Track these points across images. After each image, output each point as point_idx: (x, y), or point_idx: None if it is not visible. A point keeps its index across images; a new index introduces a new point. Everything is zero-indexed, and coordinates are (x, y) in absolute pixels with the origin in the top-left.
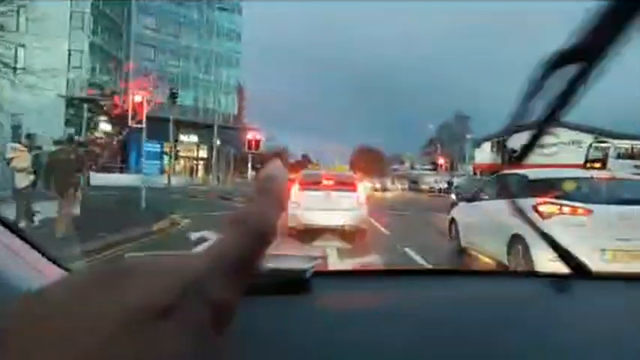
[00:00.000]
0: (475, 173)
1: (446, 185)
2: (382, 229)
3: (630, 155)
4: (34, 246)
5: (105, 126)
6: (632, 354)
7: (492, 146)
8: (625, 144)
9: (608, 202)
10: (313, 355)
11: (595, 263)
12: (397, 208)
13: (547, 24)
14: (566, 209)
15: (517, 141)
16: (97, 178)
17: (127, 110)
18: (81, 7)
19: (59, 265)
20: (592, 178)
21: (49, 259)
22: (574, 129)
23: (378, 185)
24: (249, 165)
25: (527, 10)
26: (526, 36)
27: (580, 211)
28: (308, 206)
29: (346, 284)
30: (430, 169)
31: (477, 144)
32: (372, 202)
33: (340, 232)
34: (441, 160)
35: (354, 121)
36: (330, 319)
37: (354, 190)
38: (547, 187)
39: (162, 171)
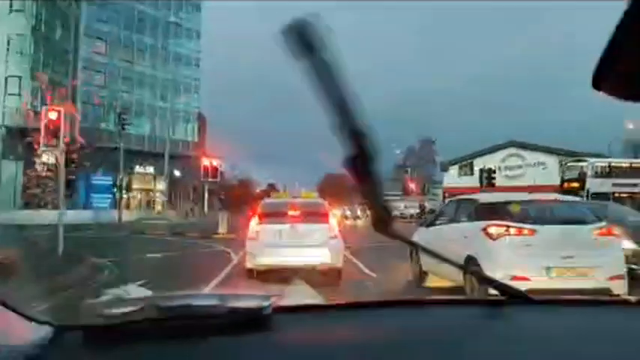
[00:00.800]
0: (445, 197)
1: (417, 210)
2: (363, 267)
3: (608, 173)
4: (5, 303)
5: (48, 158)
6: None
7: (460, 169)
8: (601, 162)
9: (552, 223)
10: None
11: (542, 280)
12: (374, 239)
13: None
14: (512, 230)
15: (482, 164)
16: (38, 216)
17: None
18: (21, 29)
19: (22, 315)
20: (536, 200)
21: (24, 316)
22: (538, 150)
23: (348, 213)
24: (205, 194)
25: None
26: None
27: (525, 231)
28: (270, 242)
29: (306, 319)
30: (399, 195)
31: (444, 168)
32: (344, 232)
33: (308, 273)
34: (412, 185)
35: (319, 148)
36: (290, 356)
37: (326, 221)
38: (495, 210)
39: (114, 205)
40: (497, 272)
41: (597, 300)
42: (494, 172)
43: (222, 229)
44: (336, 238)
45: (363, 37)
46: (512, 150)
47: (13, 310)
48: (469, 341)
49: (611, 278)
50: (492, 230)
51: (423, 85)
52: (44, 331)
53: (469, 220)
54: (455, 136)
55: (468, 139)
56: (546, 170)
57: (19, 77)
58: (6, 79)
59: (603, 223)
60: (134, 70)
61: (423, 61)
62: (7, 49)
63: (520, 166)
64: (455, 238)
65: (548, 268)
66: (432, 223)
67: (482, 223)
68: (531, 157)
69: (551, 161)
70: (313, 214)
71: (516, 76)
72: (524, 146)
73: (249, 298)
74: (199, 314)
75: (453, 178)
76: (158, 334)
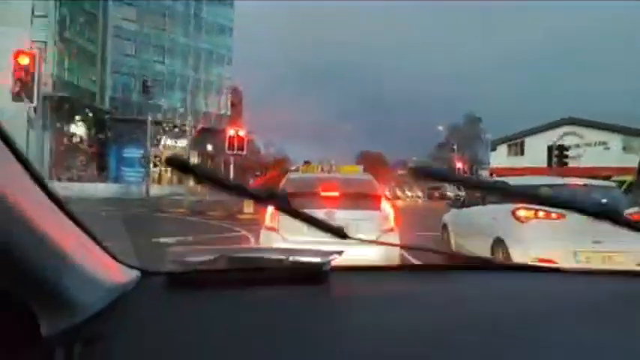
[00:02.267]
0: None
1: (463, 192)
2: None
3: None
4: (102, 246)
5: (78, 129)
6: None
7: (509, 149)
8: None
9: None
10: (329, 341)
11: (569, 264)
12: (429, 227)
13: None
14: (541, 213)
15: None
16: (70, 189)
17: (107, 112)
18: None
19: (116, 259)
20: (566, 185)
21: (116, 259)
22: (599, 128)
23: (387, 193)
24: (231, 168)
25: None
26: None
27: (553, 215)
28: (293, 237)
29: (361, 278)
30: None
31: (492, 147)
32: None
33: None
34: (458, 164)
35: (356, 126)
36: (345, 308)
37: (377, 206)
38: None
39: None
40: (523, 255)
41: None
42: (567, 149)
43: (248, 208)
44: (392, 231)
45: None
46: (569, 128)
47: (109, 255)
48: (513, 304)
49: None
50: (521, 213)
51: (467, 57)
52: (133, 275)
53: (499, 202)
54: (503, 113)
55: (517, 117)
56: (608, 151)
57: (45, 42)
58: (32, 43)
59: (637, 209)
60: (165, 38)
61: (468, 31)
62: (32, 12)
63: (578, 146)
64: (484, 219)
65: (576, 252)
66: (464, 204)
67: (512, 206)
68: (591, 135)
69: (614, 140)
70: (359, 197)
71: (573, 43)
72: (582, 124)
73: (311, 254)
74: (266, 266)
75: (501, 158)
76: (229, 282)
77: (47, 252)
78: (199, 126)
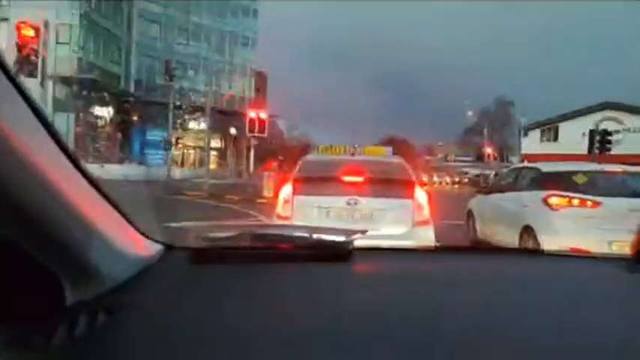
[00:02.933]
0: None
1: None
2: None
3: None
4: (129, 220)
5: (101, 110)
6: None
7: (542, 134)
8: None
9: (619, 195)
10: (350, 318)
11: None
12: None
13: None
14: (575, 201)
15: (570, 128)
16: (93, 170)
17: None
18: None
19: (141, 233)
20: (604, 171)
21: (141, 233)
22: None
23: (424, 179)
24: (252, 152)
25: None
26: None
27: (589, 203)
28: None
29: (383, 258)
30: (470, 160)
31: (524, 132)
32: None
33: None
34: (488, 150)
35: (382, 110)
36: (368, 286)
37: (409, 194)
38: (559, 180)
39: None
40: (554, 244)
41: None
42: (610, 134)
43: (267, 192)
44: (427, 224)
45: None
46: (608, 113)
47: (135, 229)
48: (523, 286)
49: None
50: (553, 200)
51: (498, 39)
52: (158, 249)
53: (529, 188)
54: (535, 98)
55: (550, 102)
56: None
57: (70, 25)
58: (57, 26)
59: None
60: (190, 20)
61: (501, 12)
62: None
63: (617, 132)
64: (513, 206)
65: (610, 242)
66: (490, 190)
67: (543, 193)
68: (631, 121)
69: None
70: (387, 182)
71: (612, 21)
72: (621, 108)
73: (335, 233)
74: (289, 243)
75: (533, 144)
76: (252, 259)
77: (75, 223)
78: (222, 109)
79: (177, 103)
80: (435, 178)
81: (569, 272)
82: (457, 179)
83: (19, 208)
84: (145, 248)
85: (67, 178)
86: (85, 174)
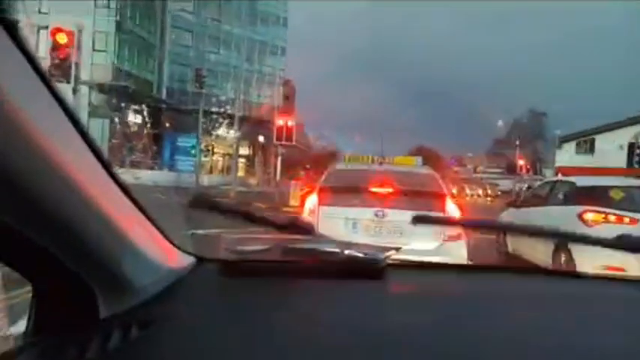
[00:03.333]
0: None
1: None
2: None
3: None
4: (162, 231)
5: (134, 117)
6: None
7: (578, 147)
8: None
9: None
10: (381, 337)
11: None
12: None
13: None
14: (612, 217)
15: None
16: (125, 175)
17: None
18: None
19: (173, 244)
20: None
21: (173, 245)
22: None
23: (454, 191)
24: (279, 160)
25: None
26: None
27: (626, 220)
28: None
29: (416, 275)
30: (499, 172)
31: (558, 144)
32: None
33: None
34: (520, 162)
35: (411, 121)
36: (402, 305)
37: (441, 207)
38: (594, 195)
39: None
40: (589, 261)
41: None
42: None
43: (293, 200)
44: (459, 239)
45: None
46: None
47: (168, 240)
48: (561, 310)
49: None
50: (589, 216)
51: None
52: (189, 261)
53: (564, 203)
54: (570, 110)
55: (585, 115)
56: None
57: (106, 33)
58: (94, 33)
59: None
60: (221, 29)
61: (530, 20)
62: (94, 3)
63: None
64: (546, 221)
65: None
66: (522, 204)
67: (579, 208)
68: None
69: None
70: (417, 194)
71: None
72: None
73: (368, 249)
74: (321, 258)
75: (568, 157)
76: (282, 273)
77: (111, 236)
78: (251, 117)
79: (207, 110)
80: (468, 191)
81: (605, 296)
82: (490, 192)
83: (55, 218)
84: (177, 260)
85: (102, 187)
86: (119, 183)
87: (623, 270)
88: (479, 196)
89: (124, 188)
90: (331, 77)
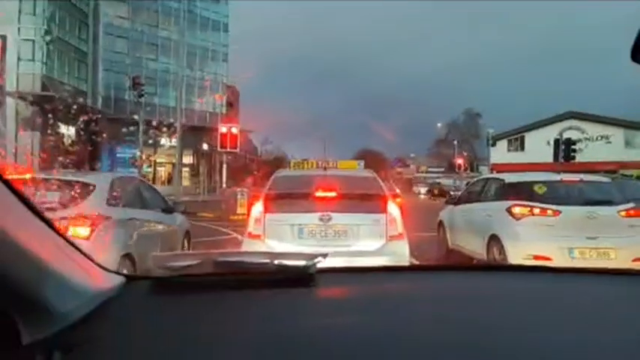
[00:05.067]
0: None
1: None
2: None
3: None
4: (76, 247)
5: (67, 128)
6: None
7: (509, 144)
8: None
9: (577, 204)
10: (314, 342)
11: (564, 261)
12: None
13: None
14: (536, 210)
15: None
16: None
17: (98, 111)
18: None
19: (99, 266)
20: (562, 181)
21: (99, 266)
22: (601, 122)
23: (397, 190)
24: (224, 168)
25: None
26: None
27: (549, 212)
28: (280, 245)
29: (347, 280)
30: (442, 172)
31: (492, 143)
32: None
33: None
34: (459, 161)
35: (353, 125)
36: (331, 309)
37: (382, 209)
38: (521, 190)
39: None
40: (519, 251)
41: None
42: (575, 143)
43: (240, 209)
44: (400, 238)
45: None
46: (572, 122)
47: (92, 261)
48: (489, 303)
49: (636, 259)
50: (516, 210)
51: (466, 54)
52: (117, 281)
53: (494, 199)
54: (503, 110)
55: (517, 113)
56: (610, 145)
57: (33, 41)
58: (19, 43)
59: (631, 205)
60: (158, 35)
61: (467, 27)
62: (19, 10)
63: (580, 140)
64: (480, 216)
65: (570, 249)
66: (459, 201)
67: (507, 203)
68: (593, 129)
69: (617, 134)
70: (360, 197)
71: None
72: (583, 118)
73: (296, 257)
74: (251, 270)
75: (501, 154)
76: (214, 286)
77: (26, 261)
78: (194, 125)
79: (147, 119)
80: (415, 189)
81: (539, 286)
82: (435, 190)
83: None
84: (104, 281)
85: (10, 210)
86: (32, 209)
87: (548, 259)
88: (420, 194)
89: (36, 211)
90: (275, 83)
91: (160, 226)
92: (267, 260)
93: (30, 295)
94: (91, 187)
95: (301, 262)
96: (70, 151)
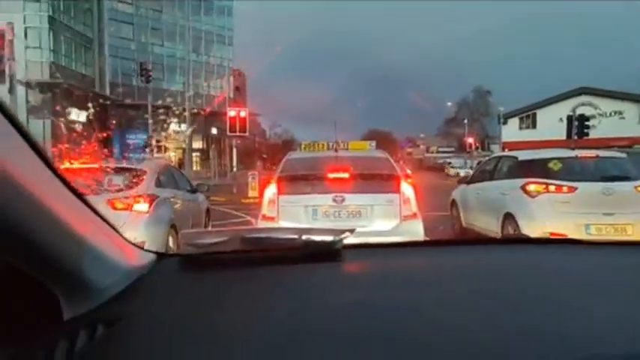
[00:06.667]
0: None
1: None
2: None
3: None
4: (112, 226)
5: (77, 115)
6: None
7: (521, 122)
8: None
9: (593, 180)
10: (341, 317)
11: (580, 237)
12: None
13: None
14: (551, 187)
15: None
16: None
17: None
18: None
19: (132, 244)
20: (577, 157)
21: (127, 241)
22: (614, 97)
23: (409, 171)
24: (234, 152)
25: None
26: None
27: (564, 189)
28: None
29: (372, 255)
30: (452, 151)
31: (503, 121)
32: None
33: None
34: (469, 139)
35: (363, 105)
36: (359, 284)
37: (395, 188)
38: (536, 168)
39: None
40: (534, 229)
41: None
42: (588, 119)
43: (252, 191)
44: (415, 217)
45: None
46: (584, 98)
47: (125, 239)
48: (511, 276)
49: None
50: (531, 188)
51: (474, 29)
52: (149, 258)
53: (508, 177)
54: (513, 87)
55: (528, 90)
56: (624, 120)
57: (39, 29)
58: (25, 29)
59: None
60: (163, 20)
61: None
62: None
63: (593, 116)
64: (494, 195)
65: (587, 225)
66: (472, 180)
67: (521, 181)
68: (606, 105)
69: (631, 110)
70: (372, 178)
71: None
72: (596, 93)
73: (323, 233)
74: (278, 246)
75: (512, 132)
76: (242, 263)
77: (68, 239)
78: (203, 109)
79: (156, 104)
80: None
81: (550, 258)
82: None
83: (10, 227)
84: (137, 258)
85: (55, 193)
86: (71, 188)
87: (565, 236)
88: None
89: (77, 193)
90: (282, 66)
91: (190, 204)
92: (295, 236)
93: (71, 272)
94: (144, 172)
95: (328, 238)
96: (79, 138)
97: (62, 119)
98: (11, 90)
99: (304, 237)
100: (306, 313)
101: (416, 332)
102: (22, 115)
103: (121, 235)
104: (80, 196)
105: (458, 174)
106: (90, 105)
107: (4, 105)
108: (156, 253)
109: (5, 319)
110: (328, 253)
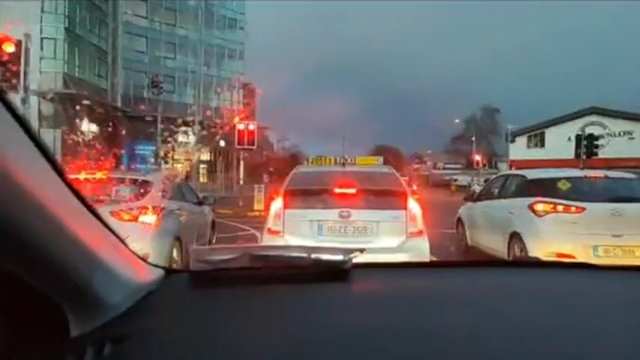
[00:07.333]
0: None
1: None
2: None
3: None
4: (122, 241)
5: (88, 125)
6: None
7: (529, 140)
8: None
9: (602, 200)
10: (350, 337)
11: (588, 259)
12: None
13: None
14: (559, 207)
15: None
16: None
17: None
18: None
19: (141, 259)
20: (586, 177)
21: (136, 256)
22: (624, 117)
23: (415, 187)
24: (241, 165)
25: None
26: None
27: (573, 209)
28: (301, 242)
29: (381, 275)
30: (459, 168)
31: (511, 139)
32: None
33: None
34: (477, 157)
35: (370, 121)
36: (367, 306)
37: (402, 205)
38: (544, 187)
39: None
40: (541, 249)
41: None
42: (597, 139)
43: (258, 205)
44: (421, 235)
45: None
46: (593, 118)
47: (135, 255)
48: (522, 300)
49: None
50: (539, 207)
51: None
52: (157, 274)
53: (516, 195)
54: (522, 105)
55: (536, 108)
56: (633, 141)
57: (55, 40)
58: (41, 40)
59: None
60: (176, 33)
61: (487, 23)
62: (41, 9)
63: (602, 136)
64: (501, 213)
65: (595, 247)
66: (479, 198)
67: (529, 200)
68: (615, 125)
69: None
70: (379, 193)
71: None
72: (605, 113)
73: (333, 252)
74: (288, 264)
75: (520, 150)
76: (251, 280)
77: (78, 253)
78: (212, 122)
79: (166, 116)
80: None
81: (562, 283)
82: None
83: (20, 240)
84: (145, 273)
85: (66, 206)
86: (83, 201)
87: (571, 256)
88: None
89: (89, 206)
90: (292, 81)
91: (195, 216)
92: (304, 254)
93: (80, 287)
94: (150, 184)
95: (338, 257)
96: (90, 148)
97: (73, 130)
98: (25, 100)
99: (313, 255)
100: (315, 332)
101: (423, 356)
102: (34, 125)
103: (130, 250)
104: (91, 209)
105: (463, 187)
106: (101, 116)
107: (23, 117)
108: (164, 268)
109: (12, 334)
110: (337, 272)
